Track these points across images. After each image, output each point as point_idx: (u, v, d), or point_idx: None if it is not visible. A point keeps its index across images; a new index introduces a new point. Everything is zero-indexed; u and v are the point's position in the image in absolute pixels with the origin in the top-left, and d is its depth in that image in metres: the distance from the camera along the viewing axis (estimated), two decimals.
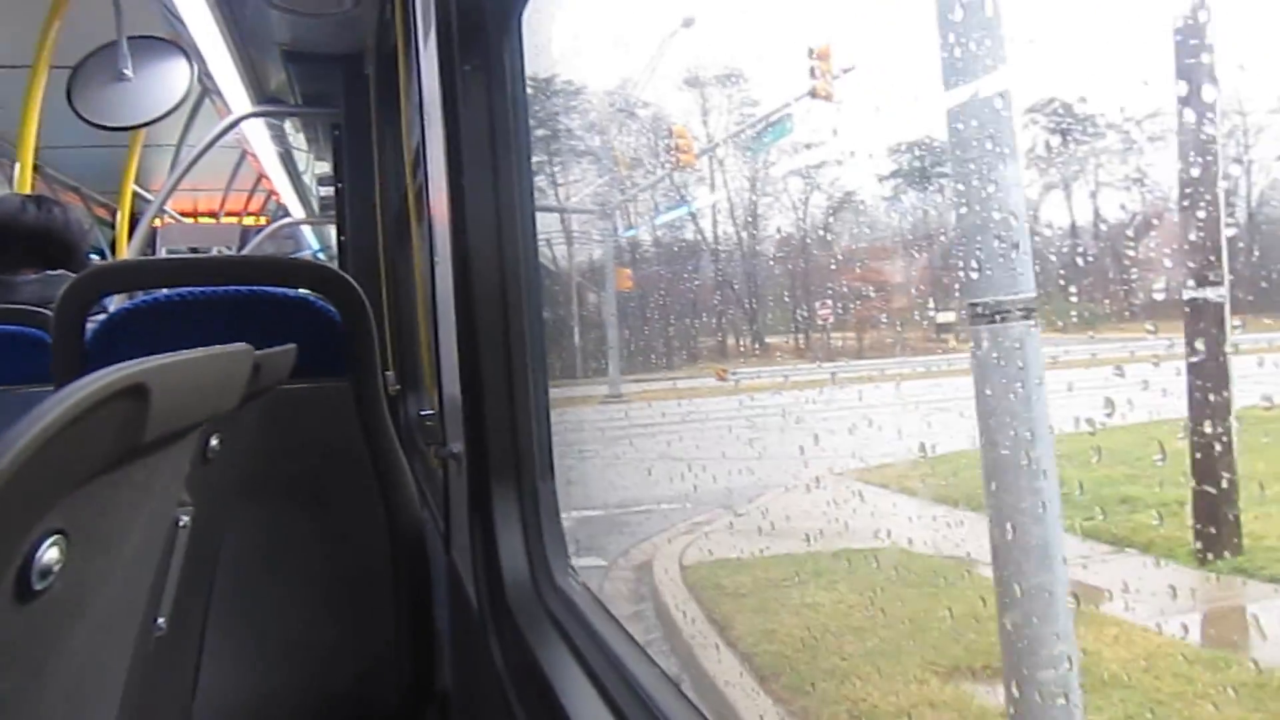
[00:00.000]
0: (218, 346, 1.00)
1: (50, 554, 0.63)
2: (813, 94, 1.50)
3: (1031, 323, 1.11)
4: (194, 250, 8.20)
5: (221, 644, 1.97)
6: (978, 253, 1.13)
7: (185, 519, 1.21)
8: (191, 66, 4.29)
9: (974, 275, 1.14)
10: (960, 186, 1.15)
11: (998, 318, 1.12)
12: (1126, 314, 1.02)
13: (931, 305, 1.36)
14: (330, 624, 2.27)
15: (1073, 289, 1.10)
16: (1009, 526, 1.16)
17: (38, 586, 0.62)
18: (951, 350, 1.35)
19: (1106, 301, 1.04)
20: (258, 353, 1.32)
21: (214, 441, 1.28)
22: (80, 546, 0.69)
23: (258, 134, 6.76)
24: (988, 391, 1.16)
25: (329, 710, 2.28)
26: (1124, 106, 1.01)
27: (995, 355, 1.14)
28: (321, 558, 2.27)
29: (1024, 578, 1.17)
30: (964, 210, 1.16)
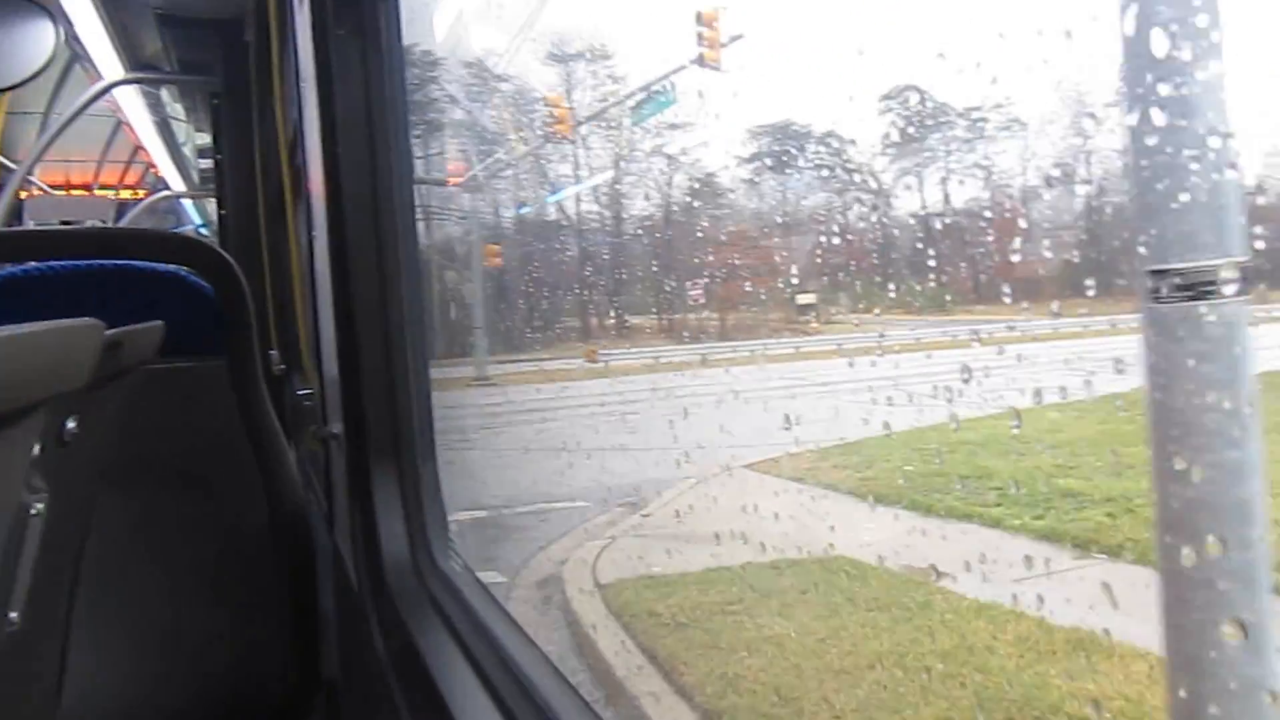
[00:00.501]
0: (57, 321, 0.94)
1: None
2: (700, 62, 1.41)
3: (1246, 298, 0.77)
4: (66, 224, 7.80)
5: (92, 638, 1.88)
6: (1164, 197, 0.76)
7: (38, 506, 1.15)
8: (56, 29, 4.05)
9: (1155, 231, 0.77)
10: (1135, 102, 0.76)
11: (1197, 292, 0.77)
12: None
13: (792, 285, 1.28)
14: (210, 614, 2.19)
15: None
16: (1202, 596, 0.80)
17: None
18: (813, 331, 1.28)
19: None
20: (115, 330, 1.26)
21: (70, 424, 1.21)
22: None
23: (132, 102, 6.46)
24: (1175, 402, 0.79)
25: (212, 703, 2.20)
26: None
27: (1192, 347, 0.78)
28: (199, 544, 2.19)
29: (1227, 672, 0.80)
30: (1140, 136, 0.77)
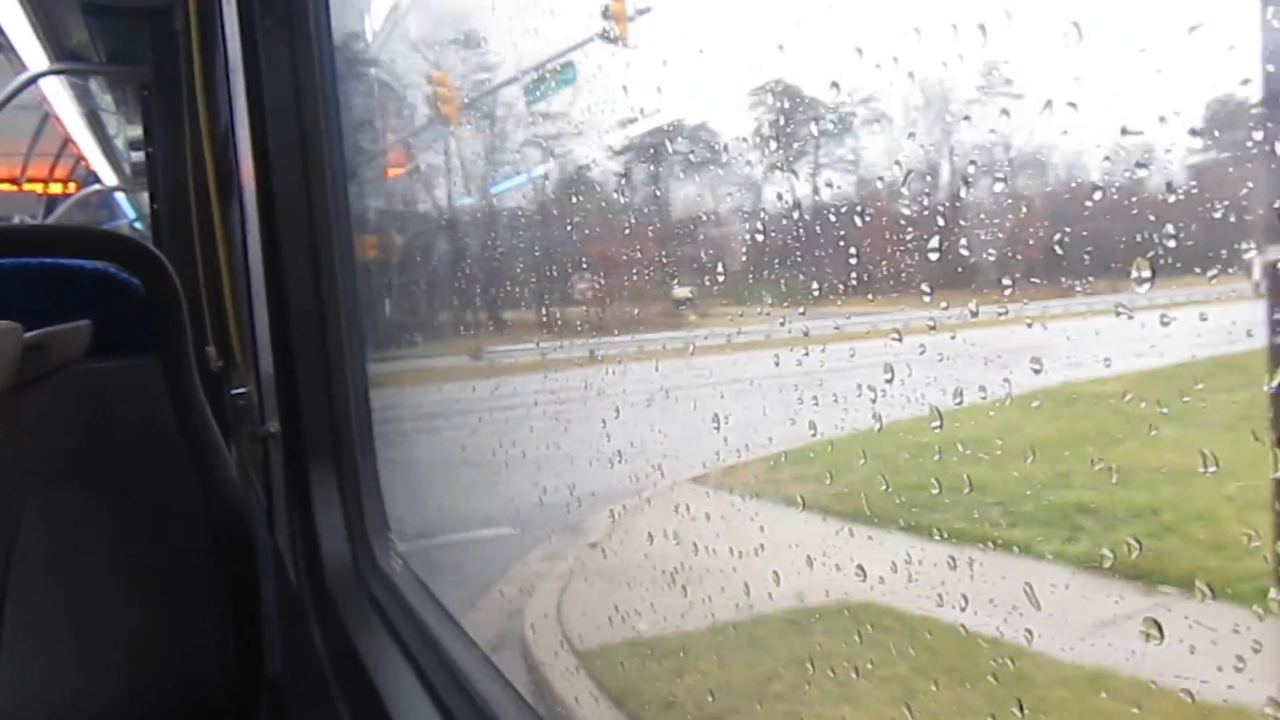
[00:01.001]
0: None
1: None
2: (604, 36, 1.29)
3: None
4: None
5: (24, 642, 1.84)
6: None
7: None
8: None
9: None
10: None
11: None
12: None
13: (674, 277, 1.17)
14: (148, 616, 2.15)
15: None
16: None
17: None
18: (695, 324, 1.16)
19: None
20: (37, 331, 1.22)
21: None
22: None
23: (59, 94, 6.27)
24: None
25: (153, 705, 2.16)
26: None
27: None
28: (135, 546, 2.14)
29: None
30: None
